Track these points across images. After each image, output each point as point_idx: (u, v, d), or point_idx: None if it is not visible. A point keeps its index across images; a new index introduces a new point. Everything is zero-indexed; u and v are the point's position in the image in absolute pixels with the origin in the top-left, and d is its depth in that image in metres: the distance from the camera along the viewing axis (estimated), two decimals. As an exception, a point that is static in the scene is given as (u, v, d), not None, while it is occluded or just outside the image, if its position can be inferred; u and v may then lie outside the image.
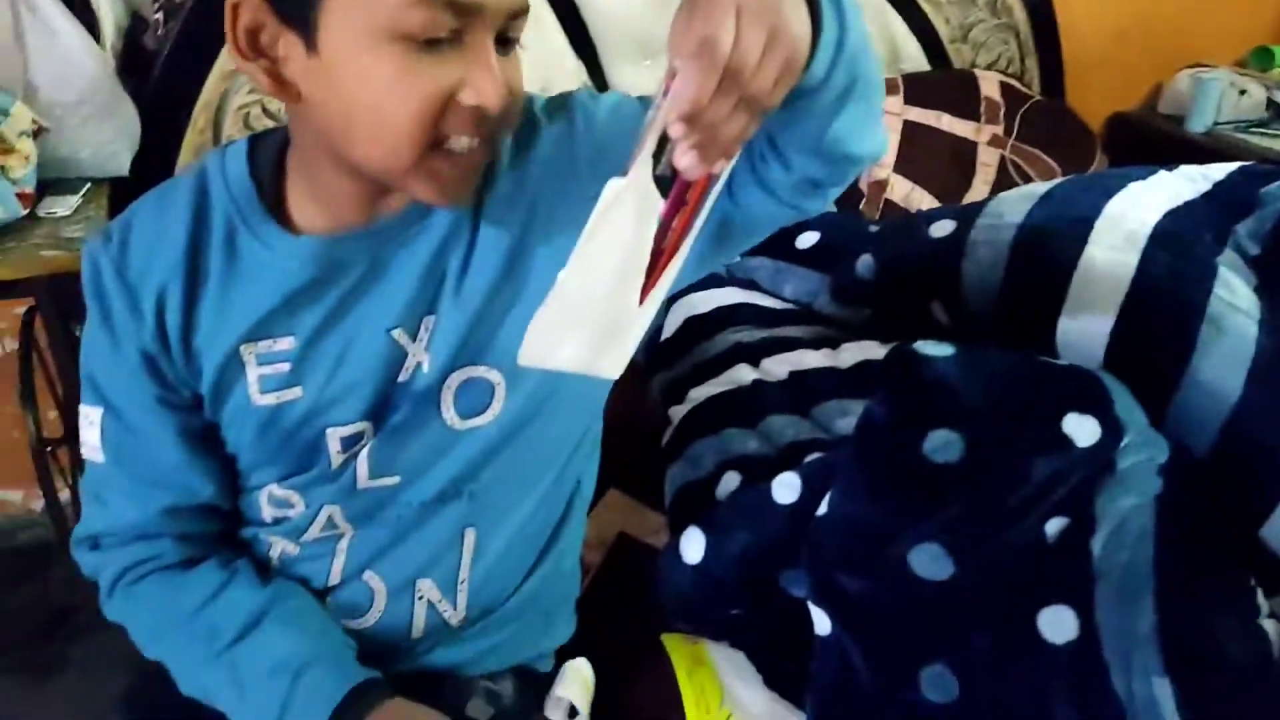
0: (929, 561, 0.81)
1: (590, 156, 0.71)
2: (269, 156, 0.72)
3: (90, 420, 0.74)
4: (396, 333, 0.72)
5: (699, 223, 0.54)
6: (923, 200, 1.61)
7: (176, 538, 0.77)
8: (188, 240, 0.70)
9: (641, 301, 0.55)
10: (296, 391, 0.72)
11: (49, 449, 1.40)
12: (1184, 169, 1.11)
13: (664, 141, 0.50)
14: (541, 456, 0.80)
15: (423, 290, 0.71)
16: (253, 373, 0.72)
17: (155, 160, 1.33)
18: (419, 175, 0.62)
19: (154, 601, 0.76)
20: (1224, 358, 0.91)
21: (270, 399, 0.72)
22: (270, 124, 1.38)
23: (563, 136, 0.73)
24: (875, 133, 0.66)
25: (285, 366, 0.72)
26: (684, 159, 0.49)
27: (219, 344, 0.71)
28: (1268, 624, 0.75)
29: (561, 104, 0.74)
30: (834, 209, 1.61)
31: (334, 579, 0.78)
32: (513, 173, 0.72)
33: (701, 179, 0.52)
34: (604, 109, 0.74)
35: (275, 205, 0.71)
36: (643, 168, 0.51)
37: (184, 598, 0.75)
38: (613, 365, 0.56)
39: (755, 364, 1.11)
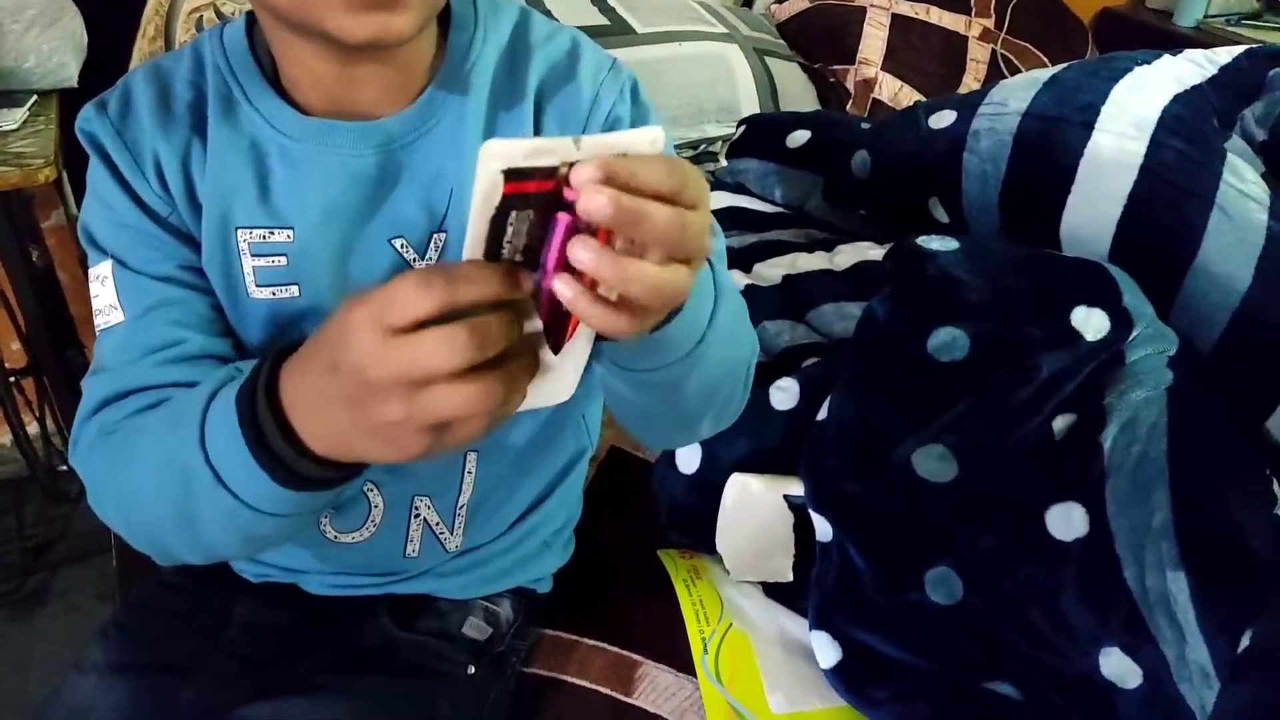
0: (933, 463, 0.79)
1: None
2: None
3: (100, 278, 0.67)
4: (399, 243, 0.67)
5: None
6: (911, 99, 1.55)
7: (188, 386, 0.65)
8: (188, 107, 0.66)
9: (558, 352, 0.49)
10: (294, 290, 0.67)
11: (13, 380, 1.36)
12: (1189, 52, 1.06)
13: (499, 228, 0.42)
14: None
15: (429, 203, 0.66)
16: (248, 262, 0.67)
17: (105, 70, 1.26)
18: (335, 5, 0.55)
19: (138, 429, 0.64)
20: (1233, 246, 0.88)
21: (266, 294, 0.67)
22: (226, 30, 1.30)
23: (565, 75, 0.69)
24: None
25: (282, 260, 0.67)
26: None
27: (216, 221, 0.66)
28: (1281, 514, 0.74)
29: (596, 55, 0.70)
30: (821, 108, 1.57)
31: None
32: (510, 83, 0.67)
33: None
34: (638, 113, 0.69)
35: (275, 81, 0.66)
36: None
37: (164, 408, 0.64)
38: (551, 396, 0.51)
39: (747, 269, 1.07)
